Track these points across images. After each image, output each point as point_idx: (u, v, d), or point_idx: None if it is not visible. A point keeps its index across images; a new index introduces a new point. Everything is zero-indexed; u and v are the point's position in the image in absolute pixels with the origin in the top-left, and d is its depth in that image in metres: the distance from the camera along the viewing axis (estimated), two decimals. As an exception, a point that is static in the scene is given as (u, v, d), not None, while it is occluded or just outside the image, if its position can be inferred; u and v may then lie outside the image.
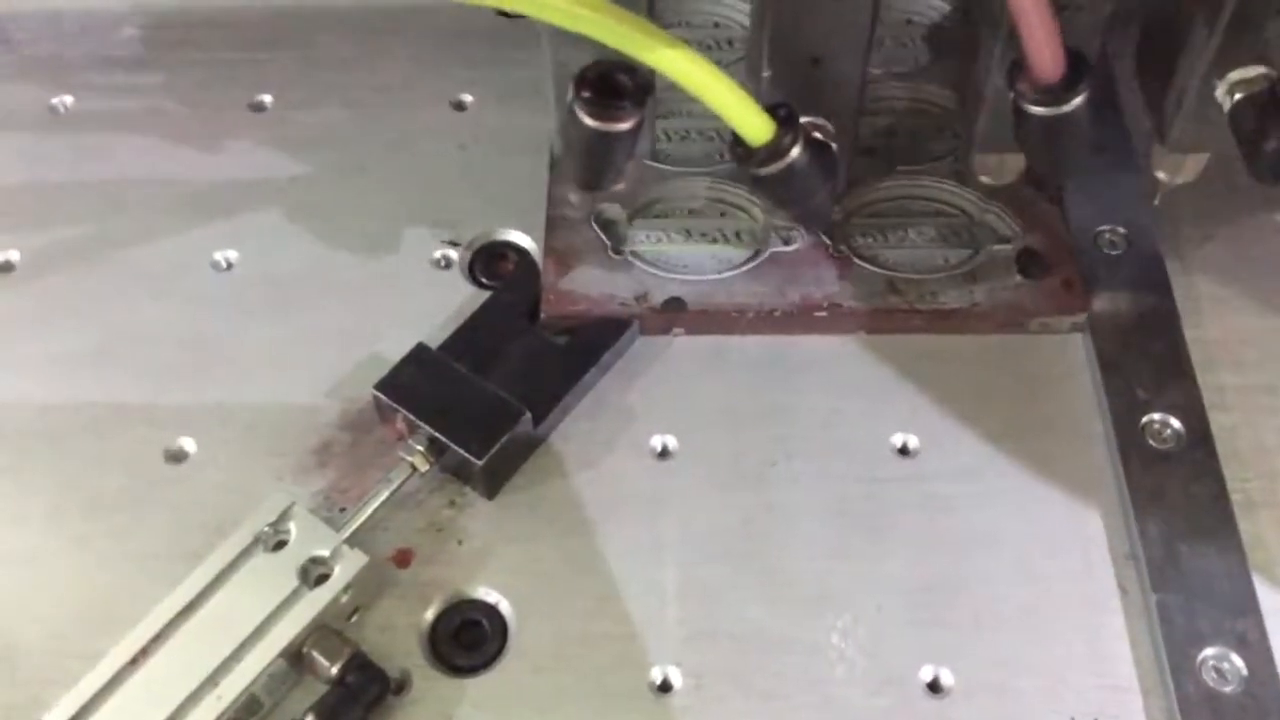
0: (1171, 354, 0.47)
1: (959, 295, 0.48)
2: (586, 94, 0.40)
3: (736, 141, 0.40)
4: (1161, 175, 0.46)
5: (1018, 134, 0.41)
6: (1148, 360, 0.47)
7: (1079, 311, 0.48)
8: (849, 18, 0.41)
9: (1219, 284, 0.51)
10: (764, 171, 0.41)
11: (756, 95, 0.40)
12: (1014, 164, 0.47)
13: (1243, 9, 0.39)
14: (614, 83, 0.40)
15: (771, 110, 0.40)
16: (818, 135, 0.43)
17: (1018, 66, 0.40)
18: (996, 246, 0.49)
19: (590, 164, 0.42)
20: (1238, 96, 0.41)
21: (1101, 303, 0.49)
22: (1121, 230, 0.50)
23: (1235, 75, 0.41)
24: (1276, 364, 0.48)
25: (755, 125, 0.39)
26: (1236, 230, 0.52)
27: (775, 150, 0.40)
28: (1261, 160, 0.40)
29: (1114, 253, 0.50)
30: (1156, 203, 0.49)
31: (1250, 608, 0.42)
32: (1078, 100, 0.39)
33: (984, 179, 0.47)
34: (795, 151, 0.40)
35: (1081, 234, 0.50)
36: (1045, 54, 0.38)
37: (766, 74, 0.42)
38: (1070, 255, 0.49)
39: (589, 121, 0.40)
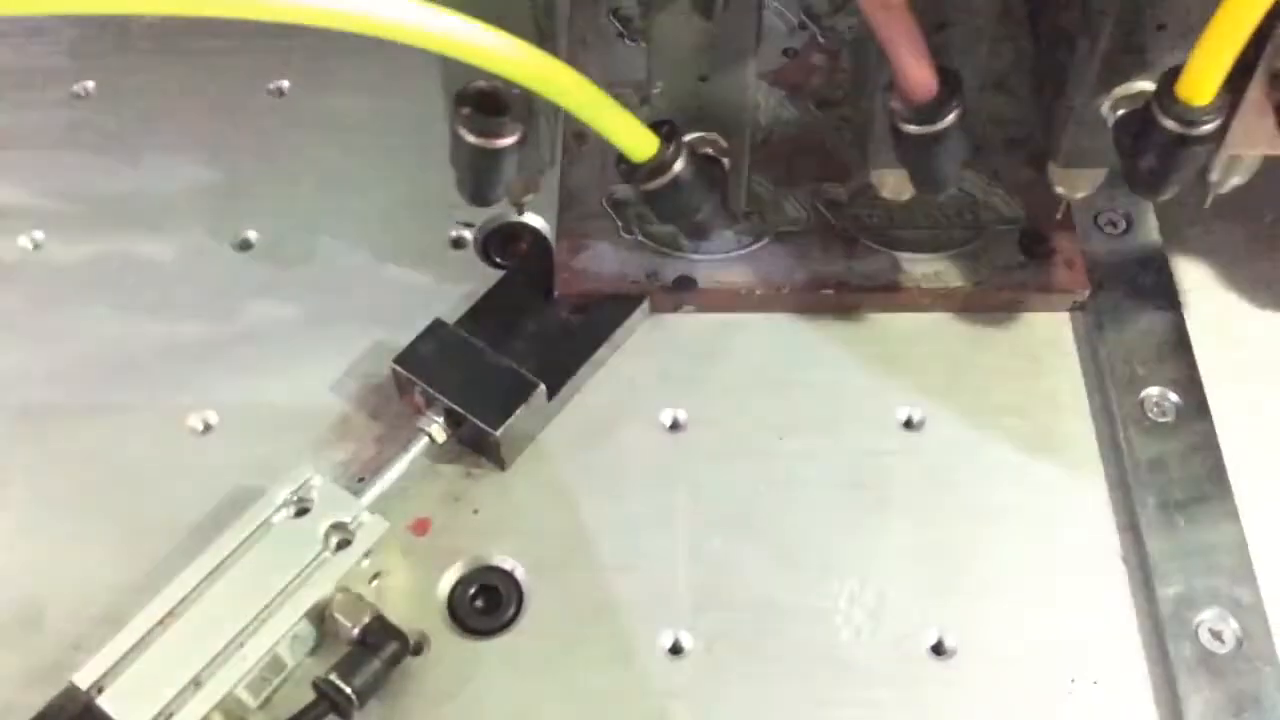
0: (1170, 330, 0.49)
1: (963, 274, 0.50)
2: (466, 111, 0.39)
3: (621, 158, 0.41)
4: (1060, 190, 0.46)
5: (896, 150, 0.41)
6: (1147, 336, 0.48)
7: (1080, 290, 0.49)
8: (730, 36, 0.41)
9: (1218, 261, 0.52)
10: (648, 187, 0.41)
11: (650, 112, 0.41)
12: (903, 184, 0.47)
13: (1124, 27, 0.39)
14: (495, 99, 0.39)
15: (655, 127, 0.40)
16: (708, 150, 0.44)
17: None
18: (1000, 227, 0.51)
19: (475, 179, 0.42)
20: (1120, 113, 0.41)
21: (1102, 281, 0.50)
22: (1121, 210, 0.52)
23: (1119, 91, 0.41)
24: (1272, 339, 0.49)
25: (638, 142, 0.40)
26: (1234, 209, 0.53)
27: (658, 166, 0.40)
28: (1137, 176, 0.40)
29: (1114, 232, 0.51)
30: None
31: (1245, 573, 0.43)
32: (950, 119, 0.39)
33: (885, 194, 0.47)
34: (678, 167, 0.41)
35: (1082, 214, 0.51)
36: (913, 75, 0.38)
37: (656, 90, 0.43)
38: (1072, 235, 0.50)
39: (470, 138, 0.40)
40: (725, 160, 0.45)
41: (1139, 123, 0.39)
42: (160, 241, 0.53)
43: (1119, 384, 0.47)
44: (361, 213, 0.53)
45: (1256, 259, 0.52)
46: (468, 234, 0.52)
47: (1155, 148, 0.38)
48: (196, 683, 0.39)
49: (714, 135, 0.44)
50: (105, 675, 0.39)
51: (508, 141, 0.40)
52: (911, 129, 0.40)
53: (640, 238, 0.50)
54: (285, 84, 0.58)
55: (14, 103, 0.58)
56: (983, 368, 0.49)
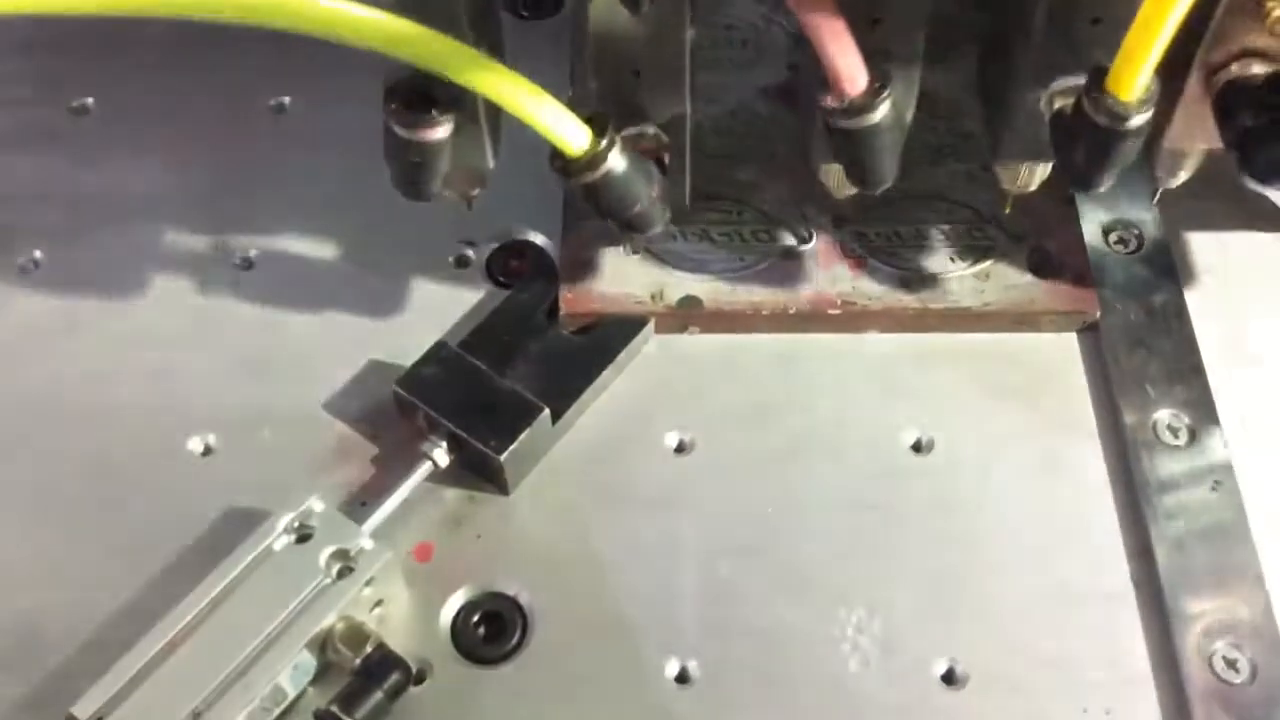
0: (1182, 351, 0.48)
1: (971, 294, 0.49)
2: (394, 105, 0.39)
3: (555, 154, 0.40)
4: (1006, 186, 0.46)
5: (831, 147, 0.42)
6: (1158, 357, 0.48)
7: (1090, 309, 0.49)
8: (661, 29, 0.41)
9: (1229, 281, 0.51)
10: (581, 181, 0.40)
11: (587, 105, 0.41)
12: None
13: (1058, 21, 0.39)
14: (425, 92, 0.39)
15: (587, 121, 0.40)
16: (646, 145, 0.43)
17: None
18: (1008, 245, 0.50)
19: (408, 173, 0.42)
20: (1056, 106, 0.41)
21: (1112, 300, 0.49)
22: (1132, 228, 0.51)
23: (1056, 85, 0.41)
24: (1284, 360, 0.49)
25: (568, 136, 0.39)
26: (1245, 227, 0.52)
27: (591, 160, 0.40)
28: (1072, 170, 0.41)
29: (1125, 250, 0.51)
30: (1155, 201, 0.49)
31: (1260, 600, 0.42)
32: (880, 112, 0.39)
33: (832, 191, 0.47)
34: (610, 160, 0.40)
35: (1092, 232, 0.51)
36: (841, 69, 0.38)
37: (593, 84, 0.43)
38: (1082, 253, 0.50)
39: (401, 132, 0.40)
40: (665, 156, 0.44)
41: (1071, 117, 0.39)
42: (159, 259, 0.52)
43: (1130, 406, 0.47)
44: (364, 231, 0.53)
45: (1270, 279, 0.51)
46: (471, 253, 0.52)
47: (1088, 142, 0.39)
48: (196, 714, 0.38)
49: (653, 130, 0.44)
50: (105, 706, 0.38)
51: (437, 135, 0.40)
52: (842, 124, 0.40)
53: (645, 257, 0.50)
54: (286, 99, 0.57)
55: (12, 116, 0.57)
56: (991, 389, 0.48)
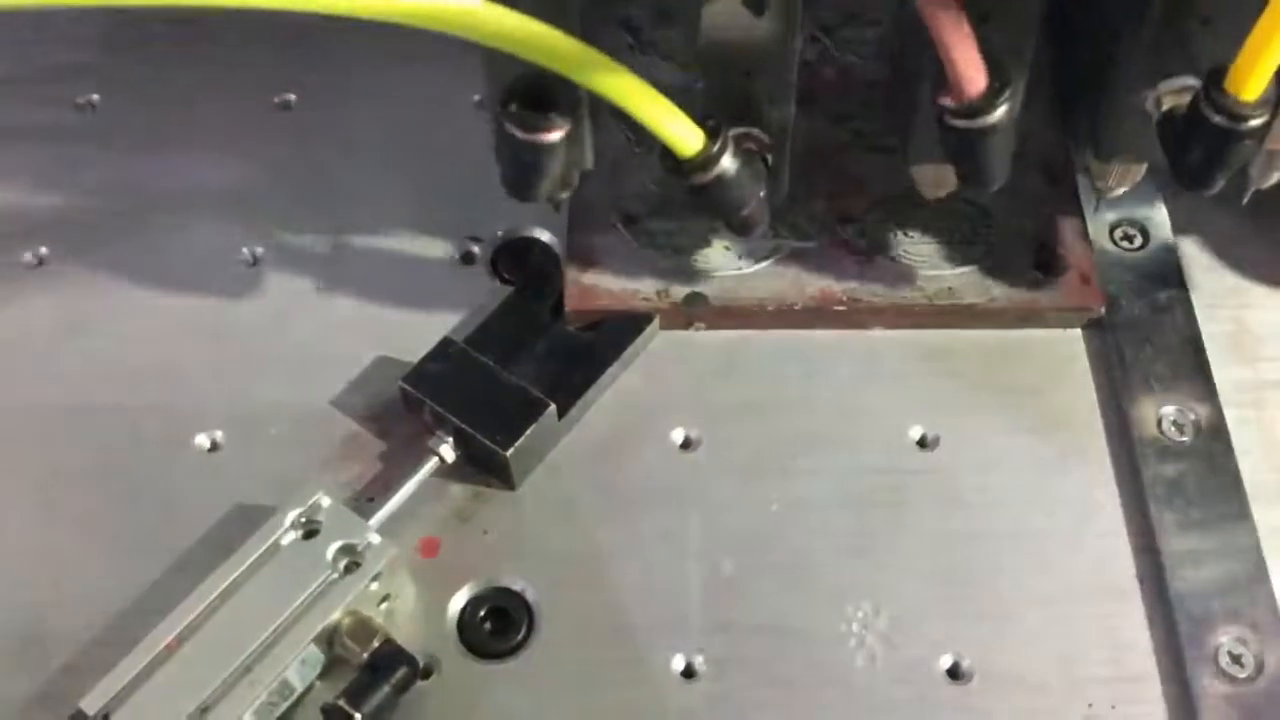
0: (1187, 348, 0.48)
1: (977, 290, 0.49)
2: (513, 106, 0.39)
3: (666, 154, 0.40)
4: (1099, 185, 0.46)
5: (943, 146, 0.41)
6: (1163, 354, 0.48)
7: (1095, 306, 0.49)
8: (777, 31, 0.41)
9: (1233, 277, 0.51)
10: (694, 182, 0.41)
11: (693, 106, 0.41)
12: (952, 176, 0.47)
13: (1169, 20, 0.39)
14: (543, 94, 0.39)
15: (700, 122, 0.40)
16: (750, 146, 0.43)
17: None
18: (1014, 241, 0.50)
19: (520, 175, 0.42)
20: (1165, 107, 0.41)
21: (1117, 297, 0.49)
22: (1137, 224, 0.51)
23: (1164, 86, 0.41)
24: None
25: (683, 137, 0.39)
26: (1250, 224, 0.52)
27: (705, 161, 0.40)
28: (1184, 171, 0.40)
29: (1130, 246, 0.51)
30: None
31: (1265, 596, 0.42)
32: (999, 113, 0.39)
33: (924, 190, 0.47)
34: (724, 162, 0.40)
35: (1098, 229, 0.51)
36: (964, 70, 0.38)
37: (700, 85, 0.43)
38: (1087, 250, 0.50)
39: (517, 134, 0.39)
40: (768, 156, 0.44)
41: (1185, 117, 0.39)
42: (166, 255, 0.52)
43: (1135, 402, 0.47)
44: (369, 227, 0.53)
45: (1276, 274, 0.51)
46: (477, 249, 0.52)
47: (1202, 142, 0.38)
48: (204, 709, 0.38)
49: (757, 131, 0.43)
50: (112, 701, 0.39)
51: (554, 137, 0.40)
52: (960, 124, 0.39)
53: (651, 253, 0.50)
54: (292, 97, 0.57)
55: (20, 113, 0.57)
56: (997, 385, 0.48)
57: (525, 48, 0.35)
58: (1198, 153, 0.39)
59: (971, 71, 0.38)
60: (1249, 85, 0.36)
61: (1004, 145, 0.41)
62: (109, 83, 0.58)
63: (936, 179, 0.46)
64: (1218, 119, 0.37)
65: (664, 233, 0.50)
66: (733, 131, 0.42)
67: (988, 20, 0.39)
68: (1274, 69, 0.36)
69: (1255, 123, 0.37)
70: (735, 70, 0.42)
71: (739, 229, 0.44)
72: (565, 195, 0.46)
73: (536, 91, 0.39)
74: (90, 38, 0.59)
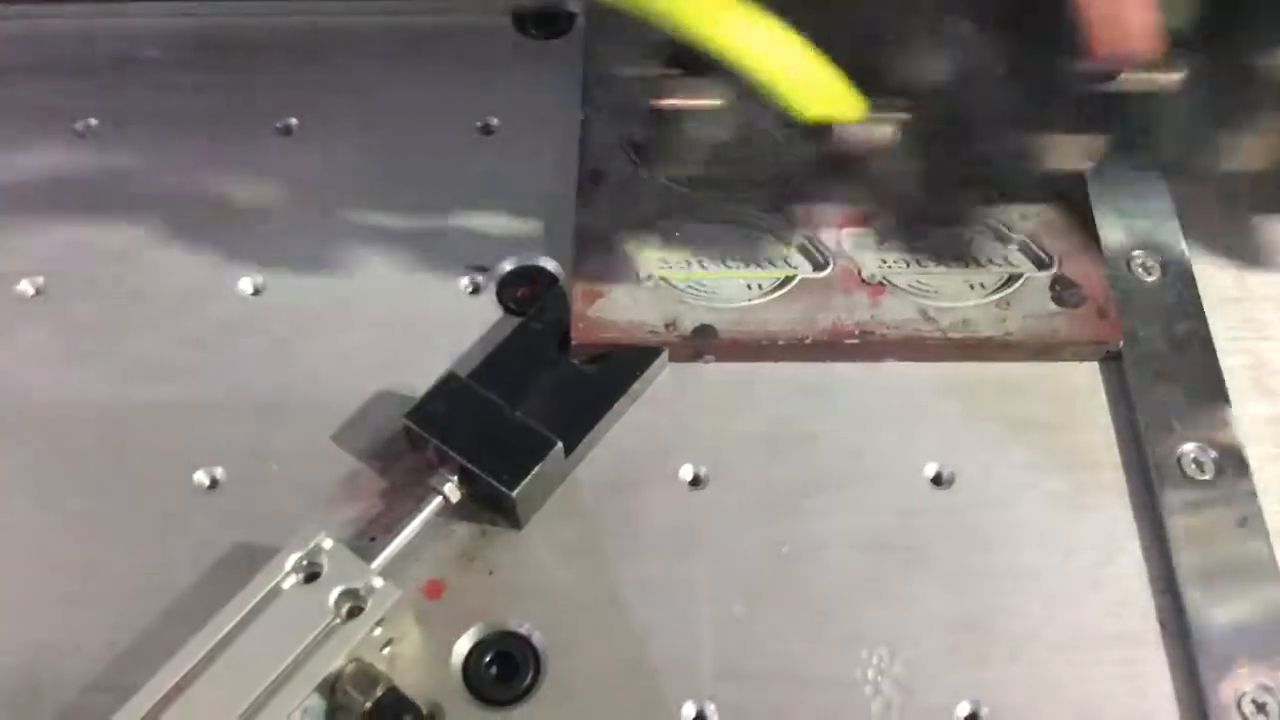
0: (1207, 383, 0.47)
1: (992, 323, 0.48)
2: (675, 71, 0.39)
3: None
4: (1236, 161, 0.44)
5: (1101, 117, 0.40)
6: (1183, 389, 0.47)
7: (1113, 339, 0.48)
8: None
9: (1253, 310, 0.50)
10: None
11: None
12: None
13: None
14: (695, 61, 0.38)
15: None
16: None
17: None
18: (1030, 274, 0.49)
19: (667, 147, 0.41)
20: None
21: (1136, 330, 0.48)
22: (1156, 256, 0.50)
23: None
24: (1314, 394, 0.48)
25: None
26: (1270, 256, 0.51)
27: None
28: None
29: (1148, 279, 0.50)
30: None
31: (1291, 642, 0.41)
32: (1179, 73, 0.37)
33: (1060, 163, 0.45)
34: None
35: (1115, 260, 0.50)
36: (1135, 19, 0.35)
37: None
38: (1104, 282, 0.49)
39: (676, 100, 0.39)
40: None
41: None
42: (165, 286, 0.51)
43: (1154, 439, 0.46)
44: (373, 257, 0.52)
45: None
46: (482, 279, 0.51)
47: None
48: (203, 760, 0.38)
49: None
50: (109, 752, 0.38)
51: (715, 103, 0.39)
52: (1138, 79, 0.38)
53: (658, 284, 0.49)
54: (293, 121, 0.56)
55: (16, 139, 0.56)
56: (1012, 421, 0.47)
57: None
58: None
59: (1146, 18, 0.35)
60: None
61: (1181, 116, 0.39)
62: (106, 107, 0.57)
63: (1081, 151, 0.44)
64: None
65: (671, 264, 0.49)
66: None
67: None
68: None
69: None
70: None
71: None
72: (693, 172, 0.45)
73: (688, 59, 0.38)
74: (89, 61, 0.58)
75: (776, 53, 0.36)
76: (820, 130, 0.39)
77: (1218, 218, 0.51)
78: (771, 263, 0.50)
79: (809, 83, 0.37)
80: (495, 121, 0.56)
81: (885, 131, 0.39)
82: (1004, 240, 0.50)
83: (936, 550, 0.44)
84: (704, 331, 0.48)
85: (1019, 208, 0.50)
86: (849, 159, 0.39)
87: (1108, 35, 0.35)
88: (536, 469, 0.43)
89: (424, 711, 0.40)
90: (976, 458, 0.46)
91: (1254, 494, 0.44)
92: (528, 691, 0.41)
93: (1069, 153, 0.44)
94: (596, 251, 0.50)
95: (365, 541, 0.44)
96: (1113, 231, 0.50)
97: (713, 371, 0.49)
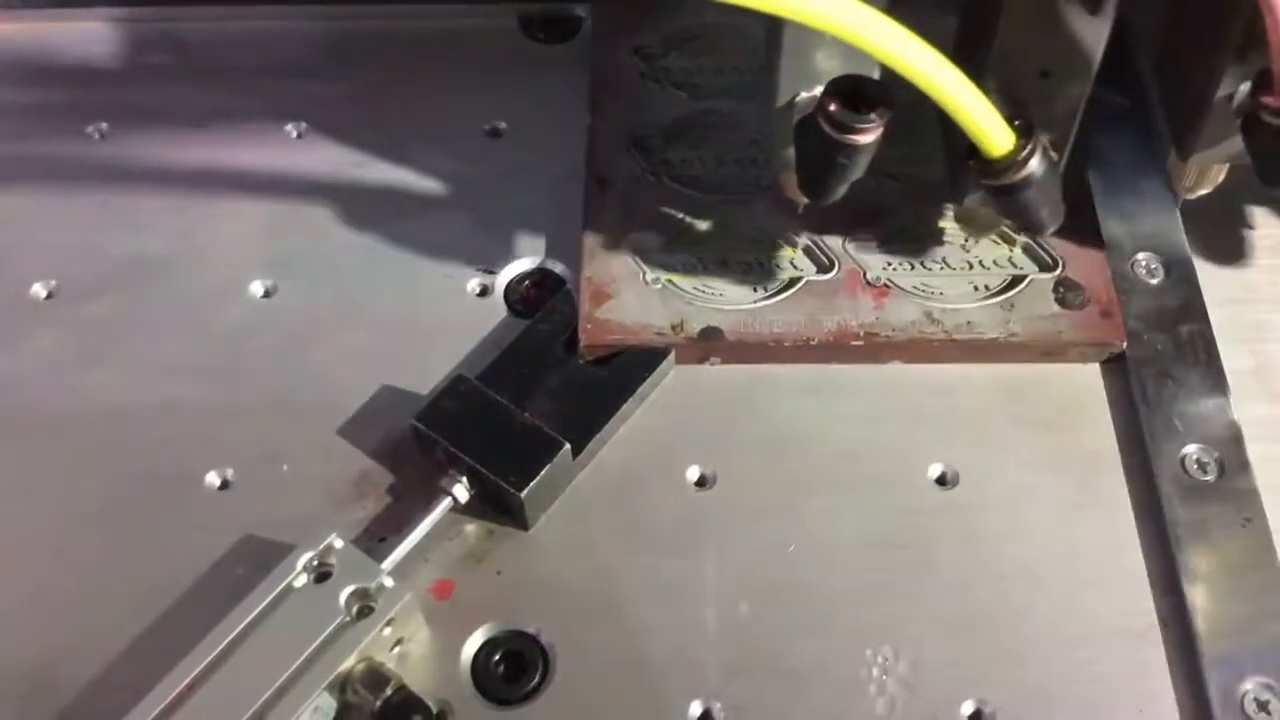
0: (1209, 384, 0.47)
1: (996, 324, 0.48)
2: (833, 107, 0.39)
3: (974, 152, 0.40)
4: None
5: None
6: (1186, 390, 0.47)
7: (1117, 341, 0.48)
8: (1084, 31, 0.40)
9: (1255, 312, 0.50)
10: (1002, 182, 0.40)
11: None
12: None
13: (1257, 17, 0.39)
14: (862, 95, 0.39)
15: (1008, 121, 0.40)
16: (1046, 143, 0.42)
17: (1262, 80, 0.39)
18: (1034, 275, 0.49)
19: (825, 177, 0.42)
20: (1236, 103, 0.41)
21: (1139, 332, 0.48)
22: (1159, 258, 0.50)
23: (1244, 87, 0.41)
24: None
25: (997, 137, 0.39)
26: (1275, 258, 0.52)
27: (1014, 162, 0.40)
28: (1262, 170, 0.41)
29: (1151, 280, 0.50)
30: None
31: (1293, 642, 0.42)
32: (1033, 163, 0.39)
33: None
34: (1034, 164, 0.40)
35: (1119, 262, 0.50)
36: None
37: (992, 85, 0.42)
38: (1108, 284, 0.49)
39: (832, 134, 0.39)
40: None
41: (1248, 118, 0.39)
42: (177, 289, 0.52)
43: (1157, 440, 0.46)
44: (382, 260, 0.52)
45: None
46: (490, 282, 0.51)
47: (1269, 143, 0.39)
48: (216, 758, 0.38)
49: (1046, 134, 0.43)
50: (122, 750, 0.38)
51: (870, 138, 0.40)
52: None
53: (665, 287, 0.49)
54: (303, 125, 0.57)
55: (28, 143, 0.57)
56: (1016, 421, 0.48)
57: (852, 32, 0.35)
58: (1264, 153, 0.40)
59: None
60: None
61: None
62: (116, 112, 0.57)
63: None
64: (1271, 120, 0.38)
65: (678, 266, 0.50)
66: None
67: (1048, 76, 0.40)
68: None
69: None
70: (1032, 70, 0.42)
71: (1036, 228, 0.43)
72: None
73: (853, 91, 0.39)
74: (99, 66, 0.59)
75: (974, 99, 0.38)
76: (993, 163, 0.40)
77: (1220, 220, 0.52)
78: (777, 265, 0.50)
79: (996, 123, 0.39)
80: (503, 125, 0.56)
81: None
82: (1009, 242, 0.50)
83: (941, 550, 0.44)
84: (710, 333, 0.49)
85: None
86: (1010, 187, 0.41)
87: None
88: (545, 470, 0.44)
89: (433, 710, 0.40)
90: (981, 458, 0.47)
91: (1256, 494, 0.45)
92: (536, 690, 0.42)
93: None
94: (604, 254, 0.50)
95: (375, 542, 0.45)
96: (1116, 234, 0.51)
97: (719, 373, 0.49)
